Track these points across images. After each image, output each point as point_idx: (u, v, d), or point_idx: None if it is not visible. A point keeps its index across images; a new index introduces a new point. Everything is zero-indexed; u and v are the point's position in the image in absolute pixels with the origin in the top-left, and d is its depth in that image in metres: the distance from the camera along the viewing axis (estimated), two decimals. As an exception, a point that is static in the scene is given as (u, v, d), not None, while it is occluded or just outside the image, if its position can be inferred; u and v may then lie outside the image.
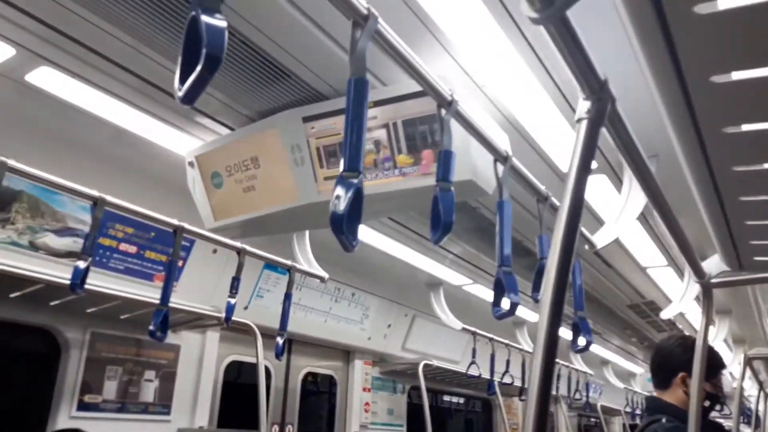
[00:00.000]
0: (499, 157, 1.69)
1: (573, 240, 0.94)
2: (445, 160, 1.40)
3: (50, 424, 2.89)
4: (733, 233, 1.58)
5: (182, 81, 0.86)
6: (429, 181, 1.86)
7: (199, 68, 0.79)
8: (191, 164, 2.39)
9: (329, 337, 4.48)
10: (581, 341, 2.18)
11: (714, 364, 2.19)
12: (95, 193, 2.13)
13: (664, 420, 2.08)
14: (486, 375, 4.83)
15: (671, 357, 2.20)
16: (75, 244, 2.70)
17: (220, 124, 2.29)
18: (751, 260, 1.83)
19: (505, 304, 1.68)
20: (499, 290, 1.64)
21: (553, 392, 6.18)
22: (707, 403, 2.16)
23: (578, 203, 0.95)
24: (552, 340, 0.89)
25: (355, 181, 1.05)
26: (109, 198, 2.16)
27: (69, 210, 2.70)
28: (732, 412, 5.73)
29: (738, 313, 4.92)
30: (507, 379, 5.03)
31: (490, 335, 4.90)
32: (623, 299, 4.70)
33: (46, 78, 2.07)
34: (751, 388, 6.57)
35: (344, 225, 1.03)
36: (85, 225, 2.68)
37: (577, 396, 6.58)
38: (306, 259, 3.18)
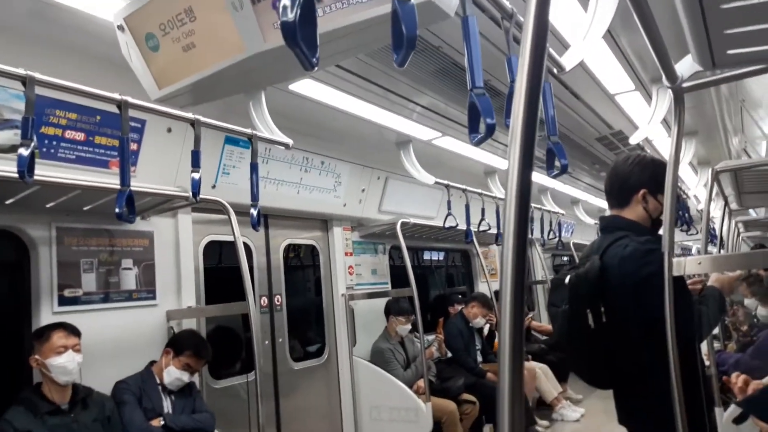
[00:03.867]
0: (458, -33, 1.53)
1: (542, 54, 0.82)
2: (398, -34, 1.25)
3: (34, 323, 2.88)
4: (707, 20, 1.50)
5: None
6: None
7: None
8: (121, 28, 2.16)
9: (304, 207, 4.46)
10: (557, 166, 2.16)
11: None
12: (22, 71, 1.93)
13: (630, 235, 2.08)
14: (462, 226, 4.92)
15: (631, 175, 2.16)
16: (16, 136, 2.50)
17: (143, -25, 2.04)
18: (725, 55, 1.76)
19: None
20: (474, 114, 1.55)
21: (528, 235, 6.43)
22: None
23: (545, 10, 0.83)
24: (527, 160, 0.80)
25: (302, -17, 0.91)
26: (39, 76, 1.96)
27: (2, 100, 2.48)
28: (699, 232, 6.04)
29: (703, 135, 4.99)
30: (483, 227, 5.14)
31: (463, 186, 4.93)
32: (591, 132, 4.70)
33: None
34: (714, 209, 6.87)
35: (298, 35, 0.91)
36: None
37: (551, 236, 6.83)
38: (266, 127, 3.04)
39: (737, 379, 2.16)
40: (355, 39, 1.90)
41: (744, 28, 1.56)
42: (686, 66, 1.94)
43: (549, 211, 6.82)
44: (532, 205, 6.25)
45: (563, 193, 7.57)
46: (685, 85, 1.98)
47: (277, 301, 4.43)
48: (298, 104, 3.43)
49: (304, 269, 5.07)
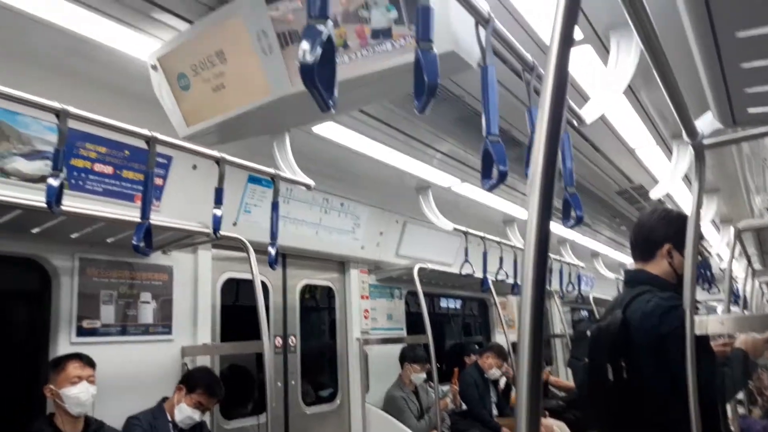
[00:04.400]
0: (481, 20, 1.58)
1: (561, 106, 0.84)
2: (423, 17, 1.30)
3: (51, 352, 2.90)
4: (727, 78, 1.51)
5: None
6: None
7: None
8: (154, 67, 2.25)
9: (322, 248, 4.48)
10: (573, 217, 2.16)
11: None
12: (57, 104, 2.01)
13: (653, 290, 2.05)
14: (479, 274, 4.89)
15: (656, 229, 2.16)
16: (46, 167, 2.59)
17: (179, 18, 2.13)
18: (746, 113, 1.76)
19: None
20: (488, 161, 1.58)
21: (546, 287, 6.35)
22: None
23: (564, 64, 0.86)
24: (545, 211, 0.81)
25: (323, 28, 0.96)
26: (72, 109, 2.04)
27: (34, 131, 2.57)
28: (722, 291, 5.90)
29: (725, 192, 4.95)
30: (501, 276, 5.10)
31: (482, 234, 4.92)
32: (612, 185, 4.70)
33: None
34: (737, 270, 6.73)
35: (315, 76, 0.94)
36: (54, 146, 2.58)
37: (569, 289, 6.73)
38: (289, 168, 3.10)
39: None
40: (378, 86, 1.97)
41: (765, 87, 1.57)
42: (707, 123, 1.95)
43: (568, 264, 6.74)
44: (551, 255, 6.21)
45: (583, 245, 7.50)
46: (705, 141, 1.99)
47: (292, 342, 4.41)
48: (321, 146, 3.49)
49: (319, 311, 5.06)
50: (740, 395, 4.19)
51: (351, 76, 1.85)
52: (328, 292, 4.94)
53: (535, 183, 0.81)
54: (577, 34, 2.32)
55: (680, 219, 2.15)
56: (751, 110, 1.72)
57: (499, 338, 6.77)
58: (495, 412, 5.58)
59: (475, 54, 1.81)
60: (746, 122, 1.82)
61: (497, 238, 5.19)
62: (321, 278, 4.85)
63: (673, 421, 1.86)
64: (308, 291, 4.79)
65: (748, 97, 1.62)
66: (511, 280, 5.28)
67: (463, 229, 4.78)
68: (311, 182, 3.05)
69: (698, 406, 1.74)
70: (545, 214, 0.80)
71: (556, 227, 5.99)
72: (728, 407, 2.99)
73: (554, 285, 6.53)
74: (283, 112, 2.09)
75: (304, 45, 0.96)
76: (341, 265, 4.99)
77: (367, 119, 3.22)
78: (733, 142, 2.12)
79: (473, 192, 4.71)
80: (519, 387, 0.73)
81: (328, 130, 3.30)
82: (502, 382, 5.84)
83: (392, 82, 1.91)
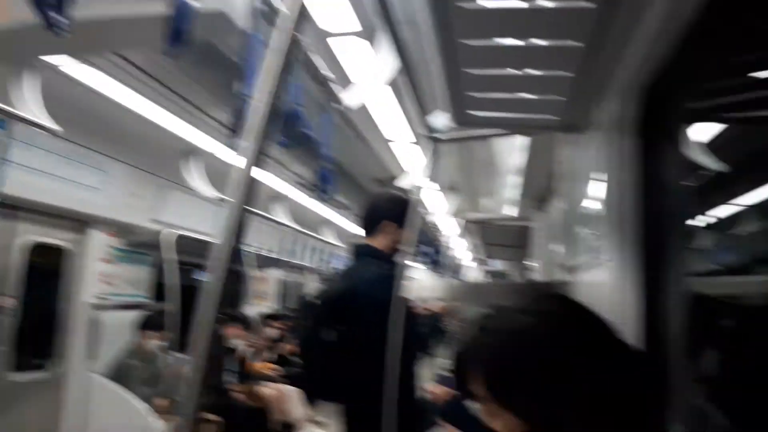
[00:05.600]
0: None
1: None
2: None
3: None
4: (452, 82, 1.73)
5: None
6: None
7: None
8: None
9: (61, 203, 3.98)
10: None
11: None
12: None
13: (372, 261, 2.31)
14: (240, 246, 4.85)
15: (378, 207, 2.44)
16: None
17: None
18: (468, 115, 2.01)
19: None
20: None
21: (302, 262, 6.54)
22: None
23: None
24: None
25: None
26: None
27: None
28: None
29: (464, 191, 5.70)
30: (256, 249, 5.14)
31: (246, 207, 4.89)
32: (372, 173, 5.07)
33: None
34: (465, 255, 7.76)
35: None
36: None
37: (326, 266, 7.13)
38: (26, 108, 2.71)
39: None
40: (133, 31, 1.85)
41: (482, 93, 1.83)
42: (440, 120, 2.22)
43: (324, 241, 7.08)
44: (309, 233, 6.45)
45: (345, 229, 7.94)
46: (440, 137, 2.27)
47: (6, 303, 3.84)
48: (74, 91, 3.12)
49: (51, 272, 4.46)
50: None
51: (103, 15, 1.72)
52: (64, 252, 4.42)
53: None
54: (356, 26, 2.48)
55: (398, 199, 2.45)
56: (472, 112, 1.99)
57: (251, 309, 6.82)
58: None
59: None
60: (469, 123, 2.10)
61: (261, 212, 5.20)
62: (55, 237, 4.30)
63: (378, 377, 2.07)
64: (38, 250, 4.20)
65: (470, 100, 1.87)
66: (268, 254, 5.38)
67: (226, 198, 4.68)
68: (58, 128, 2.72)
69: (399, 362, 1.99)
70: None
71: (322, 210, 6.23)
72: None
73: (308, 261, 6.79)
74: (23, 38, 1.83)
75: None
76: (82, 224, 4.49)
77: (133, 70, 3.00)
78: (458, 140, 2.46)
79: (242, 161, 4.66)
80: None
81: (84, 73, 2.97)
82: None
83: (147, 29, 1.81)
